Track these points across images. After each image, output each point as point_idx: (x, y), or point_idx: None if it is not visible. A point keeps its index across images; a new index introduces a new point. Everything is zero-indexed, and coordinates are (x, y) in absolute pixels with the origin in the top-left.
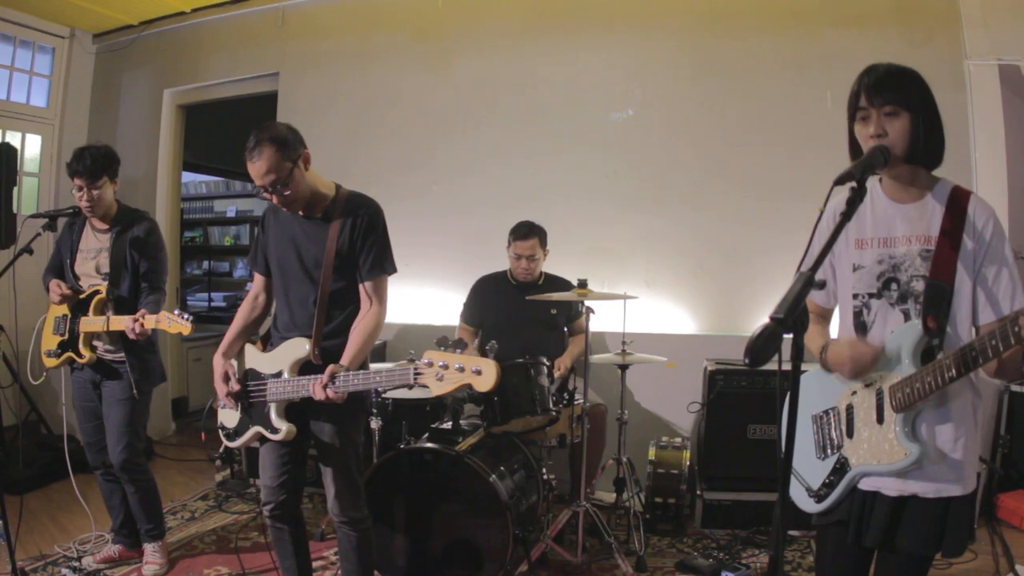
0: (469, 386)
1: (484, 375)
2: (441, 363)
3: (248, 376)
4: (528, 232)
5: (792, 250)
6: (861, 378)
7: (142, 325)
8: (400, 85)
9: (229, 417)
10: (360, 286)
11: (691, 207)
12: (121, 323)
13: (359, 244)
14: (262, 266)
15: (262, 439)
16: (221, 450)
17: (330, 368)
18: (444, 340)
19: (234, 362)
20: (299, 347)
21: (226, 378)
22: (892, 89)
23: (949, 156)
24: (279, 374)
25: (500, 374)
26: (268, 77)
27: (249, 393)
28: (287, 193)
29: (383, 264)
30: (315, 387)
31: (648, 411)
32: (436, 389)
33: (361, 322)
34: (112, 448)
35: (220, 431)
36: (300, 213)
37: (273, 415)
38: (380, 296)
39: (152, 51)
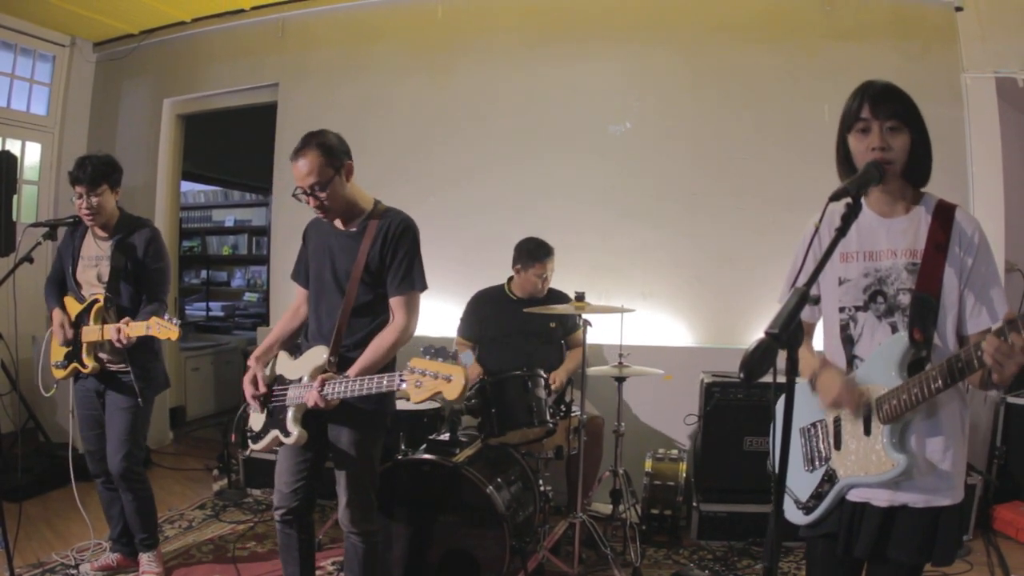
0: (441, 394)
1: (453, 382)
2: (420, 370)
3: (276, 382)
4: (546, 254)
5: (790, 263)
6: (860, 371)
7: (126, 334)
8: (399, 95)
9: (256, 420)
10: (390, 301)
11: (688, 219)
12: (112, 332)
13: (389, 259)
14: (303, 278)
15: (280, 443)
16: (248, 451)
17: (321, 376)
18: (429, 348)
19: (265, 368)
20: (319, 355)
21: (254, 381)
22: (897, 104)
23: (946, 169)
24: (300, 380)
25: (467, 383)
26: (267, 88)
27: (273, 397)
28: (323, 197)
29: (413, 280)
30: (309, 394)
31: (645, 423)
32: (414, 397)
33: (381, 336)
34: (112, 457)
35: (247, 433)
36: (337, 224)
37: (289, 419)
38: (409, 312)
39: (152, 60)
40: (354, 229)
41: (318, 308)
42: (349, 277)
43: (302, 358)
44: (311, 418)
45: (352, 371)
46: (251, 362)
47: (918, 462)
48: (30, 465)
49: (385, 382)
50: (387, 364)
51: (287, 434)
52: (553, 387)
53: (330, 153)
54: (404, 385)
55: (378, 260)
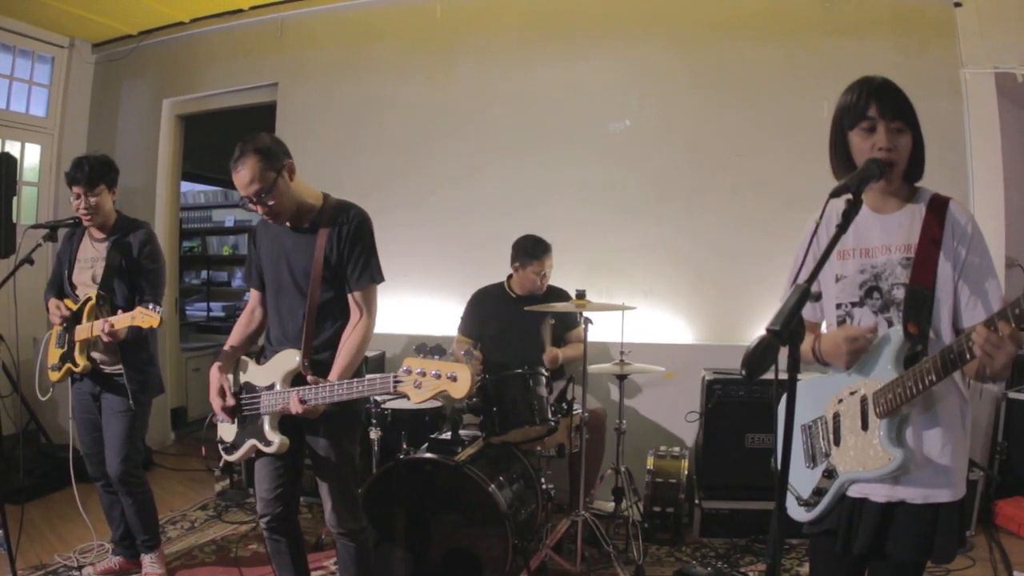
0: (446, 393)
1: (459, 381)
2: (419, 370)
3: (244, 389)
4: (544, 251)
5: (790, 260)
6: (856, 366)
7: (112, 326)
8: (399, 95)
9: (227, 431)
10: (349, 296)
11: (689, 216)
12: (98, 328)
13: (346, 253)
14: (256, 281)
15: (258, 452)
16: (221, 462)
17: (309, 381)
18: (423, 347)
19: (230, 376)
20: (290, 359)
21: (221, 393)
22: (901, 103)
23: (946, 165)
24: (272, 386)
25: (474, 380)
26: (267, 87)
27: (244, 406)
28: (271, 203)
29: (371, 273)
30: (291, 402)
31: (646, 420)
32: (415, 397)
33: (350, 335)
34: (110, 460)
35: (219, 445)
36: (288, 224)
37: (266, 427)
38: (369, 306)
39: (151, 61)
40: (306, 227)
41: (279, 310)
42: (308, 276)
43: (270, 363)
44: (288, 423)
45: (332, 377)
46: (213, 373)
47: (915, 456)
48: (32, 467)
49: (378, 384)
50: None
51: (267, 443)
52: (547, 358)
53: (268, 156)
54: (400, 386)
55: (336, 255)
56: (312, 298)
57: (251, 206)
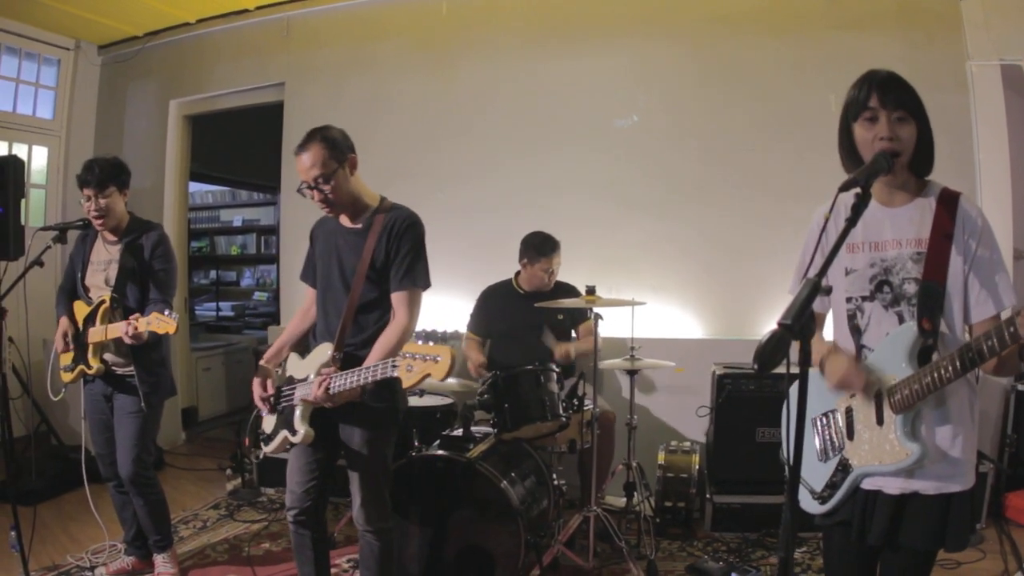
0: (430, 375)
1: (440, 362)
2: (410, 354)
3: (287, 383)
4: (553, 248)
5: (798, 254)
6: (870, 361)
7: (135, 328)
8: (405, 93)
9: (268, 422)
10: (391, 296)
11: (697, 211)
12: (118, 330)
13: (392, 253)
14: (312, 279)
15: (290, 445)
16: (261, 454)
17: (325, 370)
18: (421, 333)
19: (278, 369)
20: (324, 352)
21: (263, 383)
22: (904, 94)
23: (952, 157)
24: (306, 378)
25: (453, 363)
26: (273, 87)
27: (283, 398)
28: (327, 189)
29: (415, 277)
30: (314, 388)
31: (657, 416)
32: (406, 381)
33: (384, 336)
34: (122, 461)
35: (259, 435)
36: (342, 221)
37: (296, 417)
38: (409, 310)
39: (157, 62)
40: (359, 226)
41: (325, 306)
42: (355, 274)
43: (309, 357)
44: (320, 417)
45: None
46: (260, 365)
47: (929, 450)
48: (43, 468)
49: (379, 370)
50: None
51: (294, 432)
52: (558, 352)
53: (334, 146)
54: (396, 371)
55: (383, 256)
56: (354, 295)
57: (307, 192)
